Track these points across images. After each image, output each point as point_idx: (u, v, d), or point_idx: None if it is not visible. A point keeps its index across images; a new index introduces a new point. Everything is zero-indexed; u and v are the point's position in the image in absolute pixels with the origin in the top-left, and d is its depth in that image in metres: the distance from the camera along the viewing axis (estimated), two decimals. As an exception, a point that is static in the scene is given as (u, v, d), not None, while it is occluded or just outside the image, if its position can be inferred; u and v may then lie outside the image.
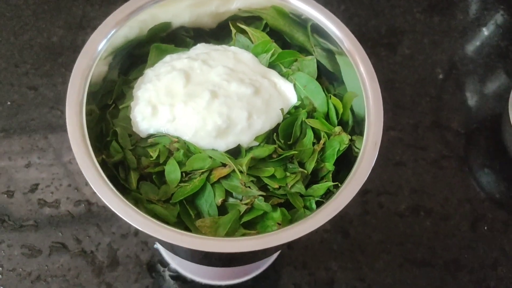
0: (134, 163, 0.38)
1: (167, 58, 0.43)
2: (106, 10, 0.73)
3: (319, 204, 0.39)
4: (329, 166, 0.40)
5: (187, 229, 0.37)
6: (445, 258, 0.61)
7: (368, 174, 0.36)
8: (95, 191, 0.32)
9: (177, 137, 0.38)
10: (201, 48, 0.44)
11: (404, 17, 0.79)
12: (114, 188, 0.33)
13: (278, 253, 0.59)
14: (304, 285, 0.58)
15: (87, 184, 0.60)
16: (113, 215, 0.58)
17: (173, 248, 0.42)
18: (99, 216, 0.59)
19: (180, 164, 0.38)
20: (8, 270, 0.56)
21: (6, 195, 0.59)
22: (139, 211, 0.32)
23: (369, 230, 0.62)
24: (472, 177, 0.67)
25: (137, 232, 0.58)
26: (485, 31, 0.80)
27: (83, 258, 0.57)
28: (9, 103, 0.65)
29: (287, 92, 0.42)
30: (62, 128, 0.64)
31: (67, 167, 0.61)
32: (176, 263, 0.57)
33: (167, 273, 0.57)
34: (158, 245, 0.58)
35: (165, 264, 0.58)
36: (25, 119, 0.64)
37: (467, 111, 0.72)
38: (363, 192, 0.64)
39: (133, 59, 0.44)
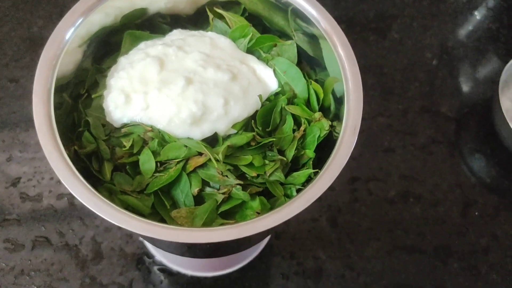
0: (107, 153, 0.37)
1: (142, 45, 0.41)
2: (87, -1, 0.71)
3: (300, 192, 0.38)
4: (310, 153, 0.39)
5: (162, 220, 0.36)
6: (435, 244, 0.60)
7: (347, 159, 0.35)
8: (64, 184, 0.31)
9: (151, 126, 0.37)
10: (177, 34, 0.42)
11: (393, 0, 0.77)
12: (84, 180, 0.32)
13: (265, 243, 0.58)
14: (292, 275, 0.57)
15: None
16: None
17: (154, 241, 0.41)
18: (83, 210, 0.58)
19: (155, 153, 0.37)
20: (-9, 266, 0.55)
21: (-13, 190, 0.58)
22: (110, 203, 0.32)
23: (358, 218, 0.61)
24: (462, 162, 0.66)
25: (121, 224, 0.57)
26: (477, 15, 0.79)
27: (67, 252, 0.56)
28: (-11, 96, 0.64)
29: (266, 78, 0.41)
30: (44, 120, 0.62)
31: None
32: (162, 256, 0.56)
33: (152, 266, 0.56)
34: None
35: (150, 256, 0.57)
36: (5, 112, 0.63)
37: (458, 95, 0.71)
38: (352, 179, 0.63)
39: (107, 47, 0.42)
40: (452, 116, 0.69)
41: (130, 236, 0.57)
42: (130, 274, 0.56)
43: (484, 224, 0.62)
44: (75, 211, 0.58)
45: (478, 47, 0.75)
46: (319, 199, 0.33)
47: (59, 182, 0.59)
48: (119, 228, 0.57)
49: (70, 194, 0.58)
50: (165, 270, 0.56)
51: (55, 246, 0.56)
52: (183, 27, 0.44)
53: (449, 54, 0.74)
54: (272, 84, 0.41)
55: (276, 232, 0.59)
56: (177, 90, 0.37)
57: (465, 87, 0.72)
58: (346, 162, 0.34)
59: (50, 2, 0.71)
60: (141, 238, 0.57)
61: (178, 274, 0.56)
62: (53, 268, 0.55)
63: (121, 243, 0.57)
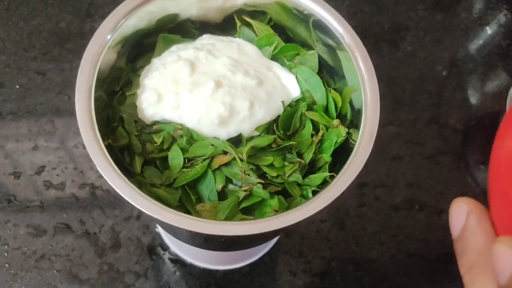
0: (139, 148, 0.40)
1: (174, 47, 0.44)
2: (114, -2, 0.74)
3: (315, 193, 0.41)
4: (326, 157, 0.42)
5: (188, 212, 0.38)
6: (438, 251, 0.63)
7: (363, 165, 0.37)
8: (102, 173, 0.34)
9: (181, 124, 0.40)
10: (206, 39, 0.45)
11: (408, 14, 0.80)
12: (119, 171, 0.35)
13: (275, 241, 0.61)
14: (300, 272, 0.60)
15: (92, 168, 0.62)
16: (116, 198, 0.60)
17: (174, 231, 0.44)
18: (103, 200, 0.61)
19: (183, 150, 0.39)
20: (14, 249, 0.58)
21: (13, 176, 0.61)
22: (143, 193, 0.34)
23: (365, 222, 0.64)
24: (467, 173, 0.69)
25: (139, 216, 0.60)
26: (488, 30, 0.81)
27: (87, 239, 0.59)
28: (17, 86, 0.67)
29: (290, 85, 0.44)
30: (69, 112, 0.65)
31: (73, 151, 0.63)
32: (176, 247, 0.59)
33: (167, 256, 0.59)
34: (159, 229, 0.60)
35: (165, 247, 0.59)
36: (32, 102, 0.66)
37: (466, 108, 0.74)
38: (360, 184, 0.66)
39: (140, 48, 0.45)
40: (460, 128, 0.71)
41: (147, 227, 0.60)
42: (145, 263, 0.58)
43: (485, 233, 0.65)
44: (95, 200, 0.61)
45: (488, 62, 0.77)
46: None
47: (81, 172, 0.62)
48: (137, 218, 0.60)
49: (92, 184, 0.61)
50: (178, 261, 0.59)
51: (76, 233, 0.59)
52: (212, 33, 0.47)
53: (459, 68, 0.76)
54: (294, 91, 0.43)
55: (286, 231, 0.62)
56: (207, 92, 0.39)
57: (473, 101, 0.74)
58: (362, 167, 0.37)
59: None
60: (157, 230, 0.60)
61: (191, 266, 0.59)
62: (73, 254, 0.58)
63: (138, 233, 0.59)
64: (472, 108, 0.74)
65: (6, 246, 0.58)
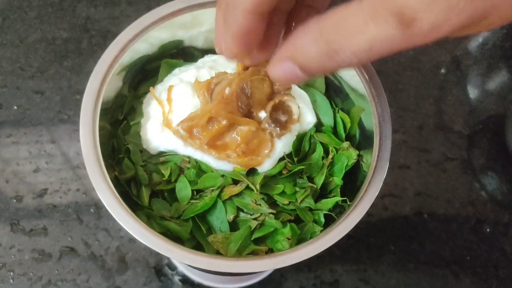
0: (146, 179, 0.39)
1: (176, 70, 0.43)
2: (110, 11, 0.73)
3: (327, 217, 0.40)
4: (338, 180, 0.41)
5: (199, 244, 0.37)
6: (448, 259, 0.62)
7: (378, 191, 0.36)
8: (111, 213, 0.33)
9: (188, 157, 0.39)
10: (208, 57, 0.44)
11: (409, 17, 0.79)
12: (129, 209, 0.34)
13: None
14: (310, 287, 0.59)
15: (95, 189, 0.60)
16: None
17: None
18: (108, 221, 0.60)
19: (192, 182, 0.38)
20: (19, 275, 0.57)
21: (15, 200, 0.60)
22: (153, 231, 0.33)
23: (374, 232, 0.63)
24: (475, 179, 0.68)
25: (145, 236, 0.59)
26: (491, 33, 0.80)
27: (93, 262, 0.58)
28: (15, 107, 0.65)
29: (306, 115, 0.42)
30: (70, 132, 0.64)
31: (76, 172, 0.62)
32: (184, 267, 0.58)
33: (175, 277, 0.58)
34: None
35: (173, 267, 0.59)
36: (32, 124, 0.64)
37: (471, 112, 0.73)
38: (368, 195, 0.65)
39: (143, 73, 0.44)
40: (465, 133, 0.71)
41: (153, 248, 0.59)
42: (153, 284, 0.57)
43: (495, 240, 0.64)
44: (100, 222, 0.60)
45: (491, 65, 0.76)
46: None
47: (85, 193, 0.61)
48: (143, 240, 0.59)
49: (96, 205, 0.60)
50: (187, 281, 0.58)
51: (82, 256, 0.58)
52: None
53: (463, 72, 0.76)
54: (309, 118, 0.42)
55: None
56: (214, 120, 0.38)
57: (478, 104, 0.74)
58: (376, 195, 0.36)
59: (74, 15, 0.72)
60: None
61: (199, 286, 0.58)
62: (79, 278, 0.57)
63: (144, 254, 0.59)
64: (477, 112, 0.73)
65: (12, 273, 0.57)
